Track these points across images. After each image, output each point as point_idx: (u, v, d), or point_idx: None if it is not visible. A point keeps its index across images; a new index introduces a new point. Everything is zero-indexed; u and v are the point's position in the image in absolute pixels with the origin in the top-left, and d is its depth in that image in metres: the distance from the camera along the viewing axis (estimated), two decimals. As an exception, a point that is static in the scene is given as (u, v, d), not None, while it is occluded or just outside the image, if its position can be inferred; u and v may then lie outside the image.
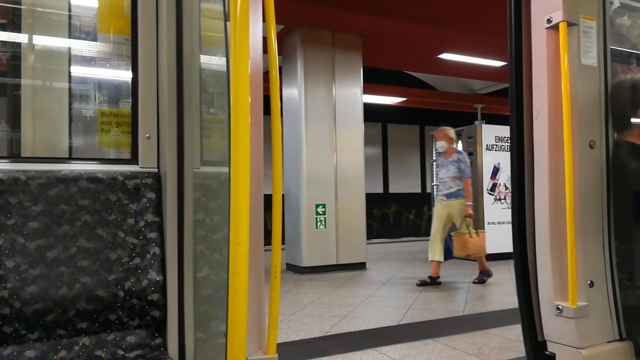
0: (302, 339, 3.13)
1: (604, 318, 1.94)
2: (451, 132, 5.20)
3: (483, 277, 5.15)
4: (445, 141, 5.15)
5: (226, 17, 1.31)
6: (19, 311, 1.29)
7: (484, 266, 5.16)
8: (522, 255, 1.96)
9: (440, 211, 5.12)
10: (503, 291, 4.74)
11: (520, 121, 1.96)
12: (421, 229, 11.86)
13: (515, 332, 3.12)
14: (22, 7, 1.64)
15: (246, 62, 1.07)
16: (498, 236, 6.87)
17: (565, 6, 1.88)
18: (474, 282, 5.17)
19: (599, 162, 1.96)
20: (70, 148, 1.65)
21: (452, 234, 5.09)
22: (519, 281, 1.97)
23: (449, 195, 5.07)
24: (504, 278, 5.43)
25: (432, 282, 5.03)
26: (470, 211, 5.04)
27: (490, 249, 5.81)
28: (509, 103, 2.01)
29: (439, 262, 5.04)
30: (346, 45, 6.45)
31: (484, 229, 6.62)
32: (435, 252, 5.02)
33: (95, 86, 1.68)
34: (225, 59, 1.22)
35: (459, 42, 7.03)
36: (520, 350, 2.29)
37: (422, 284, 5.05)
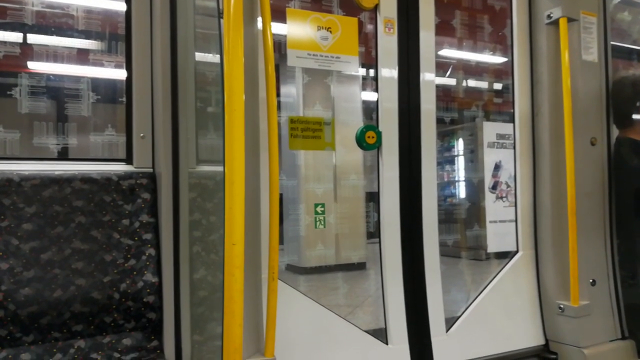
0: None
1: (606, 317, 1.92)
2: None
3: None
4: None
5: (220, 14, 1.29)
6: (14, 314, 1.27)
7: None
8: (412, 274, 1.85)
9: None
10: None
11: (411, 126, 1.92)
12: (422, 228, 11.81)
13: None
14: (18, 5, 1.61)
15: (240, 60, 1.05)
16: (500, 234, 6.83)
17: (565, 2, 1.85)
18: None
19: (601, 159, 1.94)
20: (64, 148, 1.63)
21: None
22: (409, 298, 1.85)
23: None
24: (505, 276, 5.39)
25: None
26: None
27: (493, 248, 5.77)
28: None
29: None
30: (345, 44, 6.41)
31: (485, 227, 6.58)
32: None
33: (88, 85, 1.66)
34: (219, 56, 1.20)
35: (459, 40, 6.99)
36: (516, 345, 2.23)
37: None
